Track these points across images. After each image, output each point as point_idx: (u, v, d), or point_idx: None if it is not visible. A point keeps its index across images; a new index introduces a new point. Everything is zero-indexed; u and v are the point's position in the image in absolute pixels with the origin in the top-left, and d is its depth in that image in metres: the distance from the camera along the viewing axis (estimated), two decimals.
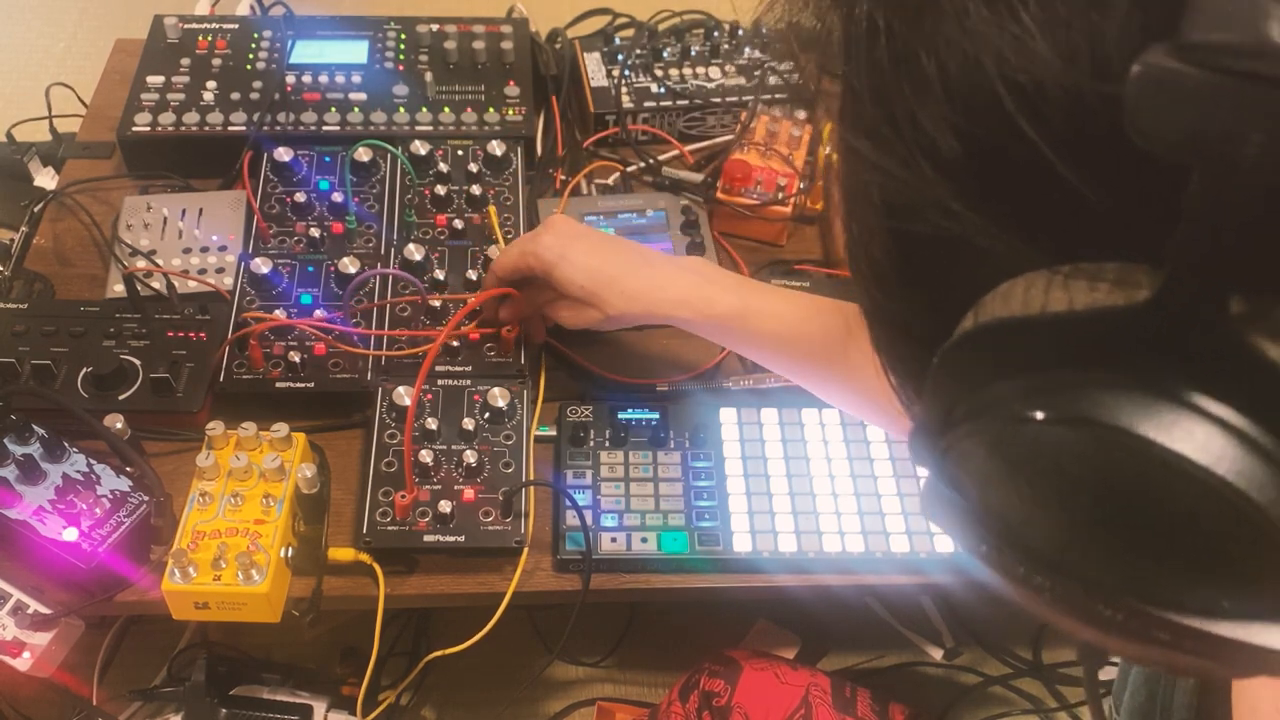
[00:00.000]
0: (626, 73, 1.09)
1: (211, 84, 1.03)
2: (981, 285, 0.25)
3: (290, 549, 0.74)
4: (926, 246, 0.27)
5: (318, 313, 0.85)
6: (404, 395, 0.80)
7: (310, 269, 0.89)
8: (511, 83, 1.06)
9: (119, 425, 0.78)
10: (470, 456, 0.77)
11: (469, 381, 0.83)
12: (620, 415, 0.84)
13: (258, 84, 1.03)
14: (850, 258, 0.32)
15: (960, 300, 0.26)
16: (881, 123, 0.26)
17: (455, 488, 0.77)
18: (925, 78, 0.24)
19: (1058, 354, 0.24)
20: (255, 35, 1.09)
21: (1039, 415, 0.24)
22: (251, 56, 1.06)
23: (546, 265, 0.77)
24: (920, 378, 0.28)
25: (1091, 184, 0.23)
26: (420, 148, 0.96)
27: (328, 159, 0.97)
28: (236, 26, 1.09)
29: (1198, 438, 0.22)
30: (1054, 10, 0.22)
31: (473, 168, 0.97)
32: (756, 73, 1.10)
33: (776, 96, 1.09)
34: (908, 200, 0.26)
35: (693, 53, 1.12)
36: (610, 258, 0.77)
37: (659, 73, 1.09)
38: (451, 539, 0.75)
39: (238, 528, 0.73)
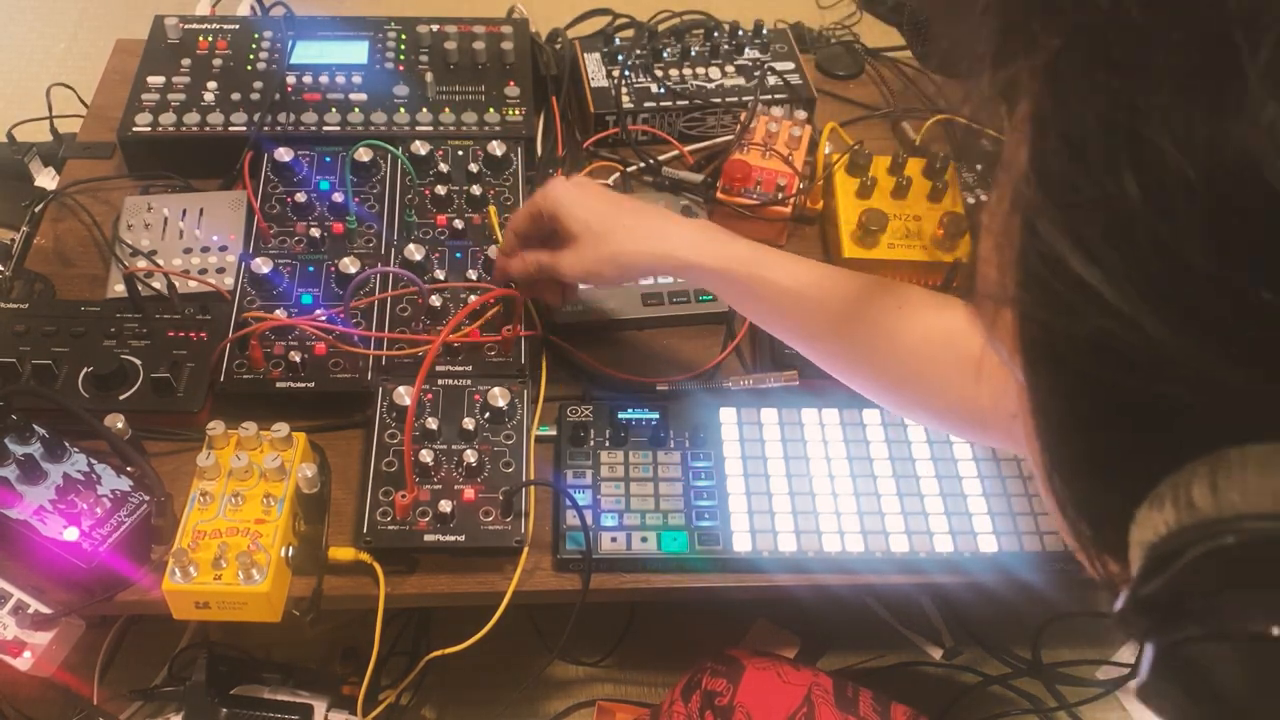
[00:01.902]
0: (626, 73, 1.09)
1: (212, 84, 1.03)
2: (1218, 438, 0.22)
3: (291, 548, 0.74)
4: (1154, 403, 0.22)
5: (318, 313, 0.85)
6: (404, 395, 0.80)
7: (311, 269, 0.89)
8: (511, 83, 1.06)
9: (119, 425, 0.78)
10: (470, 456, 0.77)
11: (469, 381, 0.83)
12: (620, 415, 0.84)
13: (258, 84, 1.03)
14: (1026, 373, 0.26)
15: (1185, 452, 0.22)
16: (1119, 256, 0.21)
17: (455, 487, 0.77)
18: (1195, 208, 0.20)
19: None
20: (256, 36, 1.09)
21: None
22: (252, 57, 1.07)
23: (554, 202, 0.76)
24: (1113, 523, 0.25)
25: None
26: (420, 148, 0.96)
27: (328, 159, 0.97)
28: (237, 27, 1.10)
29: None
30: None
31: (473, 168, 0.97)
32: (756, 73, 1.11)
33: (776, 96, 1.09)
34: (1145, 357, 0.21)
35: (693, 53, 1.12)
36: (620, 201, 0.78)
37: (659, 73, 1.09)
38: (451, 539, 0.75)
39: (238, 527, 0.73)
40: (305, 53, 1.07)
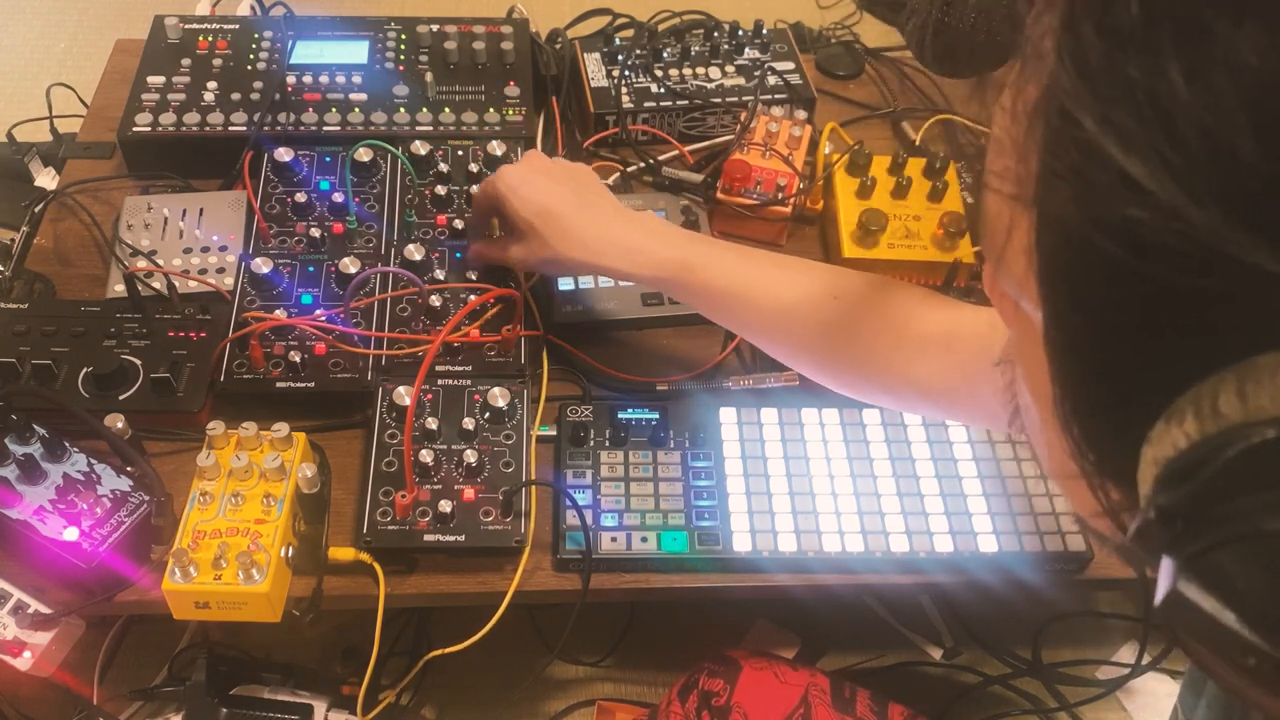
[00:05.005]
0: (626, 73, 1.10)
1: (212, 84, 1.03)
2: (1248, 343, 0.21)
3: (291, 548, 0.74)
4: (1186, 298, 0.21)
5: (318, 313, 0.85)
6: (404, 395, 0.80)
7: (311, 269, 0.89)
8: (512, 83, 1.06)
9: (120, 425, 0.78)
10: (470, 456, 0.77)
11: (469, 381, 0.83)
12: (620, 415, 0.84)
13: (258, 84, 1.03)
14: (1044, 285, 0.25)
15: (1212, 360, 0.22)
16: (1158, 144, 0.20)
17: (455, 487, 0.77)
18: (1242, 94, 0.19)
19: None
20: (256, 35, 1.09)
21: None
22: (252, 57, 1.07)
23: (500, 195, 0.81)
24: (1124, 446, 0.25)
25: None
26: (420, 148, 0.96)
27: (328, 159, 0.97)
28: (237, 27, 1.10)
29: None
30: None
31: (473, 168, 0.97)
32: (756, 73, 1.11)
33: (776, 96, 1.09)
34: (1182, 244, 0.20)
35: (693, 53, 1.12)
36: (561, 198, 0.79)
37: (659, 73, 1.09)
38: (452, 539, 0.75)
39: (238, 527, 0.73)
40: (305, 53, 1.07)
